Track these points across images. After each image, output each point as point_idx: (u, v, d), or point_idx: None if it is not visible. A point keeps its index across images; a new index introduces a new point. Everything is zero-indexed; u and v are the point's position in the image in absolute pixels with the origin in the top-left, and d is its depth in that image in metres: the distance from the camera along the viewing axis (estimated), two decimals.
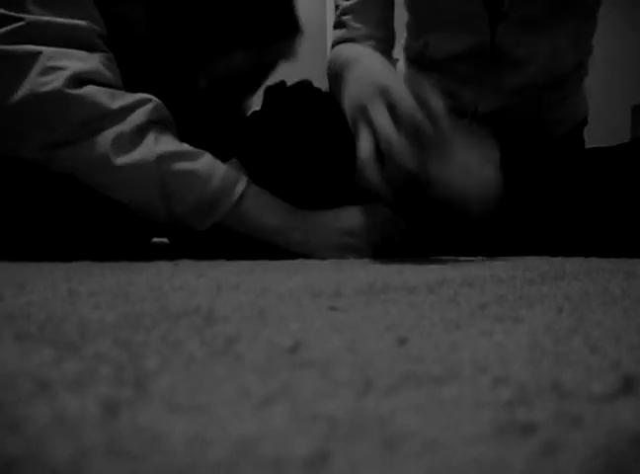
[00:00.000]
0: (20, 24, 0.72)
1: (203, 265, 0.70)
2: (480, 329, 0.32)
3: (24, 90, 0.71)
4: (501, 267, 0.71)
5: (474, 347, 0.28)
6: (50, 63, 0.72)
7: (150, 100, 0.77)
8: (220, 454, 0.16)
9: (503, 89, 1.03)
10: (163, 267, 0.67)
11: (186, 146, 0.77)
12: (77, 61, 0.73)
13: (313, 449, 0.16)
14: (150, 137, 0.75)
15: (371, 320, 0.35)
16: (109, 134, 0.73)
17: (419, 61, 1.07)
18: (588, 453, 0.16)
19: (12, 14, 0.73)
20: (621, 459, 0.16)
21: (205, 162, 0.77)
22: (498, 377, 0.23)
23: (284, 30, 0.89)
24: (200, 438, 0.17)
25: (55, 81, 0.71)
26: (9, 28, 0.72)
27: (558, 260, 0.83)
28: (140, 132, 0.74)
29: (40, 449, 0.16)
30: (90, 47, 0.76)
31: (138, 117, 0.74)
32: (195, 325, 0.33)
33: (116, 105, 0.74)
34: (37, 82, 0.71)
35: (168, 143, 0.76)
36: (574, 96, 1.12)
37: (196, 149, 0.78)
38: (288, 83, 0.95)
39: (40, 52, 0.72)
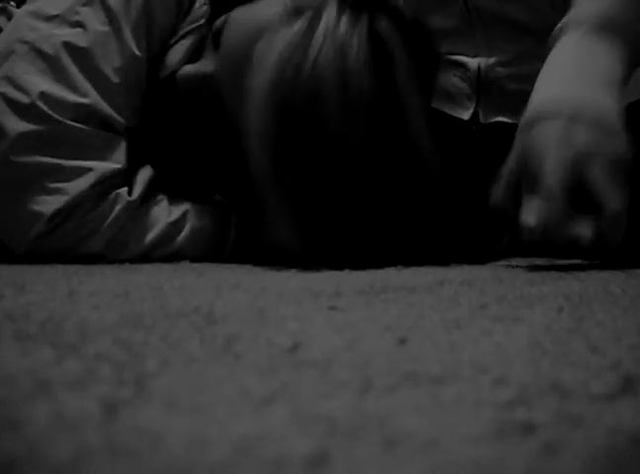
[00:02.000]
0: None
1: (203, 265, 0.70)
2: (480, 329, 0.32)
3: None
4: (501, 267, 0.71)
5: (474, 347, 0.28)
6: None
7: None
8: (220, 454, 0.16)
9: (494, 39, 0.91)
10: (163, 267, 0.67)
11: (160, 228, 0.74)
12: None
13: (313, 449, 0.16)
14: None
15: (371, 320, 0.35)
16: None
17: None
18: (588, 453, 0.16)
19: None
20: (621, 459, 0.16)
21: (188, 233, 0.75)
22: (498, 377, 0.23)
23: None
24: (200, 438, 0.17)
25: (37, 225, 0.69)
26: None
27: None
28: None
29: (40, 449, 0.16)
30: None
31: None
32: (195, 325, 0.33)
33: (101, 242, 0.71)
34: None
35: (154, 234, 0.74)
36: None
37: (173, 223, 0.75)
38: None
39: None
